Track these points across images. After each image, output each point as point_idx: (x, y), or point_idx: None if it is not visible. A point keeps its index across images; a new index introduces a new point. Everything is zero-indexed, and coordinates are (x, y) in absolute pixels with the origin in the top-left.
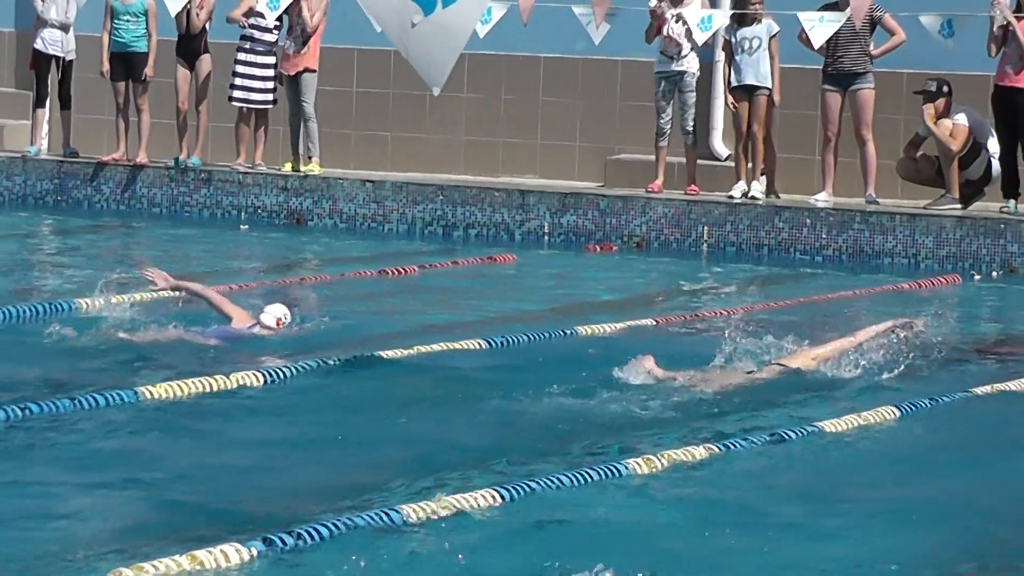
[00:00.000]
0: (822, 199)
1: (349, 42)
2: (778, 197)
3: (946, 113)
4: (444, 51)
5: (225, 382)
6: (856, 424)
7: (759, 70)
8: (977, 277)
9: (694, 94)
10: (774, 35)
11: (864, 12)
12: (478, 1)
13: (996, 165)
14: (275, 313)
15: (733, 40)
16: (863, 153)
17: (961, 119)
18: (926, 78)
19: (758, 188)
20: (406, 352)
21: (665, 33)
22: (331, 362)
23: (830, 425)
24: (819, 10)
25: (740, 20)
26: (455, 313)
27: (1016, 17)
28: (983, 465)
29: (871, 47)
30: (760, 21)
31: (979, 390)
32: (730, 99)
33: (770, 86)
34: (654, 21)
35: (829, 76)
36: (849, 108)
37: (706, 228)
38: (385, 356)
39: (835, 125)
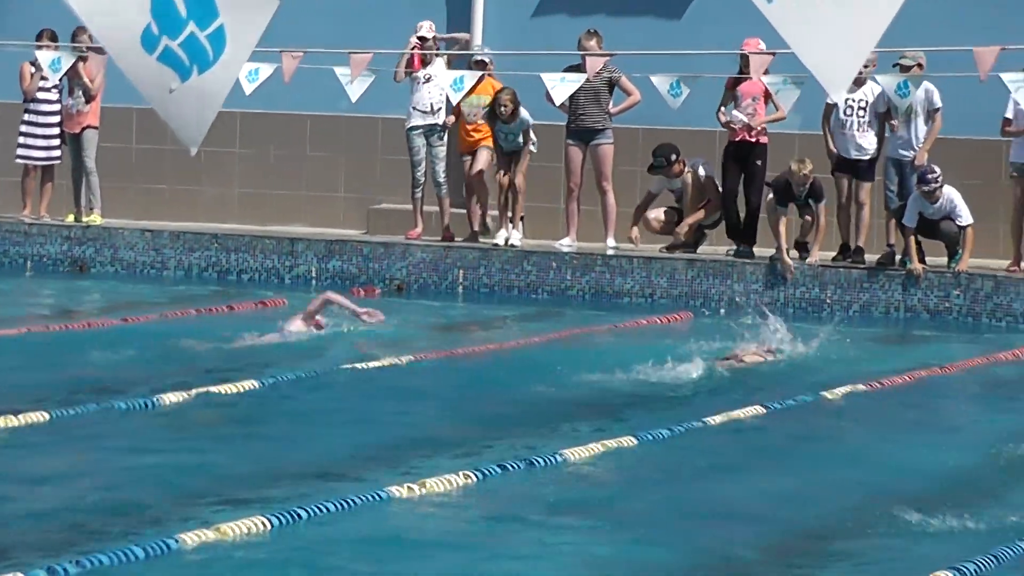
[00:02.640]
0: (566, 244)
1: (128, 101)
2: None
3: (681, 171)
4: (200, 113)
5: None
6: (598, 451)
7: (520, 141)
8: (707, 314)
9: (444, 147)
10: (527, 127)
11: (597, 68)
12: (232, 67)
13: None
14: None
15: (497, 132)
16: (604, 203)
17: (703, 170)
18: (653, 147)
19: (517, 236)
20: (180, 394)
21: (417, 90)
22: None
23: (572, 453)
24: (563, 71)
25: (493, 116)
26: (230, 355)
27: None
28: (710, 488)
29: (610, 106)
30: (516, 117)
31: (710, 419)
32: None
33: (532, 148)
34: (399, 68)
35: (572, 132)
36: (591, 161)
37: (461, 272)
38: (160, 399)
39: (577, 177)
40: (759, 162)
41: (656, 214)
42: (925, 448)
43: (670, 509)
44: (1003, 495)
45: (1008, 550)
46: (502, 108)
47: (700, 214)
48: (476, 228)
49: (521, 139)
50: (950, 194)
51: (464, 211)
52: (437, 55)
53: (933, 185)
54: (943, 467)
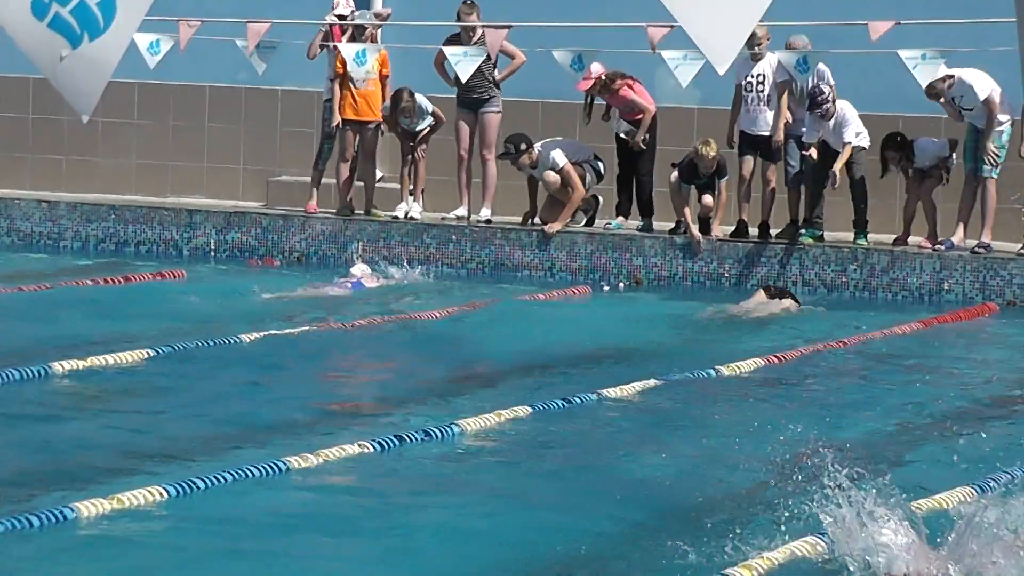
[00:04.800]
0: (458, 214)
1: (23, 71)
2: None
3: (534, 161)
4: (91, 81)
5: None
6: (494, 422)
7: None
8: (606, 288)
9: None
10: (432, 112)
11: (499, 46)
12: (124, 34)
13: (600, 167)
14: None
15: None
16: (484, 171)
17: (559, 158)
18: (551, 122)
19: (417, 209)
20: (75, 363)
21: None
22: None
23: (468, 424)
24: (444, 44)
25: (395, 107)
26: (127, 325)
27: None
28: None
29: (495, 73)
30: (414, 107)
31: (607, 391)
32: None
33: (431, 122)
34: (313, 44)
35: (461, 101)
36: (477, 129)
37: (361, 244)
38: (54, 367)
39: (467, 144)
40: (644, 137)
41: (549, 228)
42: (821, 420)
43: (567, 480)
44: (898, 460)
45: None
46: (404, 107)
47: (570, 208)
48: (348, 200)
49: (431, 119)
50: (843, 107)
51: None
52: (353, 25)
53: (826, 106)
54: (839, 438)
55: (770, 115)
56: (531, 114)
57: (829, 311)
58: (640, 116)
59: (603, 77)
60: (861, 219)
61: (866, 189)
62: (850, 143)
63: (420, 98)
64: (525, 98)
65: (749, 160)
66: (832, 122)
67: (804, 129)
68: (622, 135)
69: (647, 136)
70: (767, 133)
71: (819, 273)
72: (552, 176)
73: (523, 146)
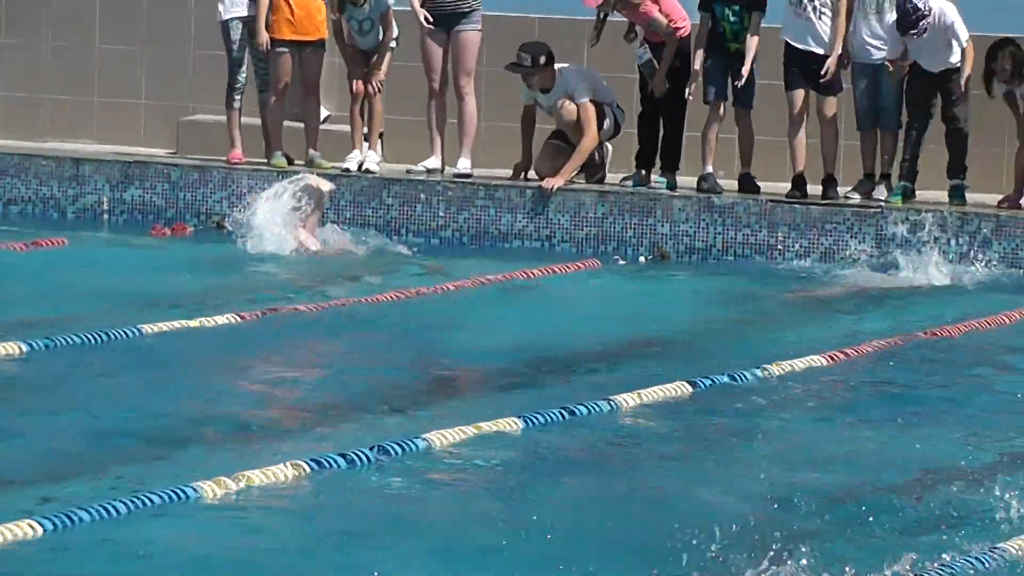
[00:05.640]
0: (429, 165)
1: None
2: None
3: (550, 84)
4: None
5: None
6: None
7: (376, 39)
8: (621, 262)
9: None
10: (386, 10)
11: None
12: None
13: (621, 117)
14: None
15: (349, 20)
16: (461, 109)
17: (582, 88)
18: (521, 46)
19: (374, 158)
20: None
21: None
22: None
23: (438, 437)
24: None
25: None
26: None
27: None
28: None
29: None
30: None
31: (622, 398)
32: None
33: (392, 45)
34: None
35: (432, 17)
36: (451, 53)
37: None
38: None
39: (438, 74)
40: (678, 63)
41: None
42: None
43: (565, 514)
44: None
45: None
46: None
47: (579, 158)
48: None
49: (380, 31)
50: (943, 9)
51: (300, 125)
52: None
53: (923, 23)
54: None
55: (825, 29)
56: (524, 34)
57: (915, 292)
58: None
59: None
60: (959, 167)
61: (966, 130)
62: (969, 45)
63: None
64: (515, 12)
65: (800, 94)
66: (927, 34)
67: (873, 50)
68: (641, 67)
69: (676, 63)
70: (822, 51)
71: (902, 244)
72: (570, 107)
73: (543, 59)
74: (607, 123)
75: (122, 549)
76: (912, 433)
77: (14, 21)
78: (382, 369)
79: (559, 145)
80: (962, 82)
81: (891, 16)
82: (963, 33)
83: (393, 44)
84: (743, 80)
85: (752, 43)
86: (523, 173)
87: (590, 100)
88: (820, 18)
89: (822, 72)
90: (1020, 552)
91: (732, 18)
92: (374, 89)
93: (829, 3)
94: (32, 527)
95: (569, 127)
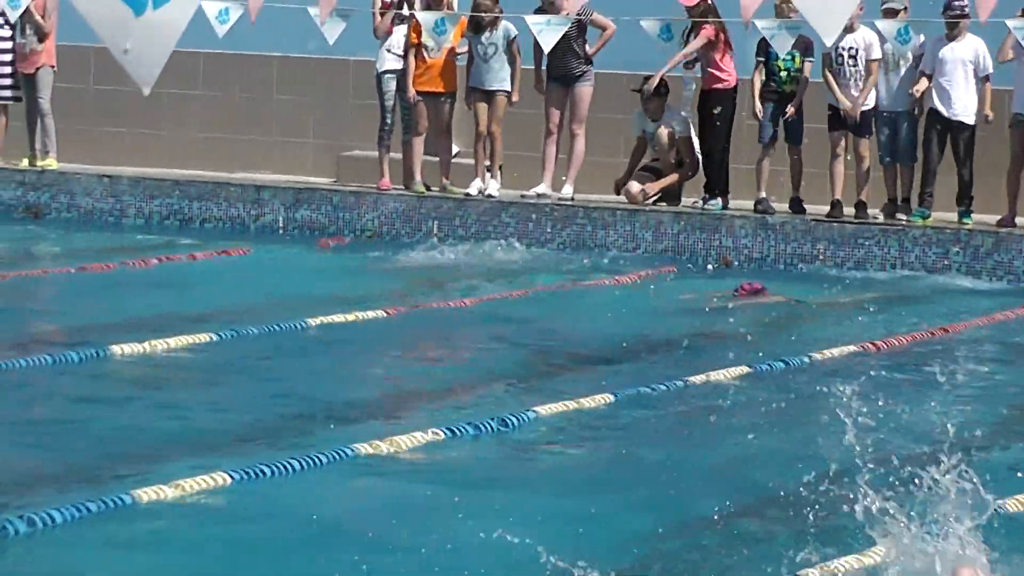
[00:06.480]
0: (540, 190)
1: (85, 40)
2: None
3: (659, 114)
4: (154, 52)
5: None
6: (573, 409)
7: (498, 74)
8: (692, 269)
9: None
10: (512, 39)
11: (574, 8)
12: (187, 4)
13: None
14: None
15: (474, 46)
16: (572, 146)
17: (687, 124)
18: (642, 78)
19: (494, 185)
20: (134, 346)
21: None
22: (66, 356)
23: (546, 410)
24: (535, 13)
25: (477, 27)
26: (190, 306)
27: None
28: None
29: (586, 47)
30: (497, 26)
31: (693, 379)
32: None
33: (508, 88)
34: (383, 21)
35: (551, 77)
36: (569, 102)
37: (436, 223)
38: (118, 349)
39: (556, 117)
40: (717, 109)
41: (633, 186)
42: (919, 413)
43: (648, 470)
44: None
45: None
46: (482, 8)
47: (668, 180)
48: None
49: (507, 61)
50: (975, 42)
51: (436, 159)
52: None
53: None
54: (939, 428)
55: (859, 90)
56: (616, 86)
57: (931, 295)
58: (718, 85)
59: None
60: (965, 196)
61: (972, 159)
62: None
63: (506, 22)
64: (610, 70)
65: (839, 135)
66: (962, 42)
67: (890, 101)
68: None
69: (725, 110)
70: (861, 108)
71: (920, 255)
72: (667, 134)
73: (663, 89)
74: (686, 163)
75: (294, 499)
76: (946, 412)
77: (209, 78)
78: (504, 354)
79: (648, 176)
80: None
81: (904, 71)
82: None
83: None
84: (791, 115)
85: (802, 87)
86: (622, 187)
87: (680, 134)
88: (858, 82)
89: (848, 119)
90: None
91: (787, 63)
92: (495, 132)
93: (862, 71)
94: (224, 478)
95: (663, 152)
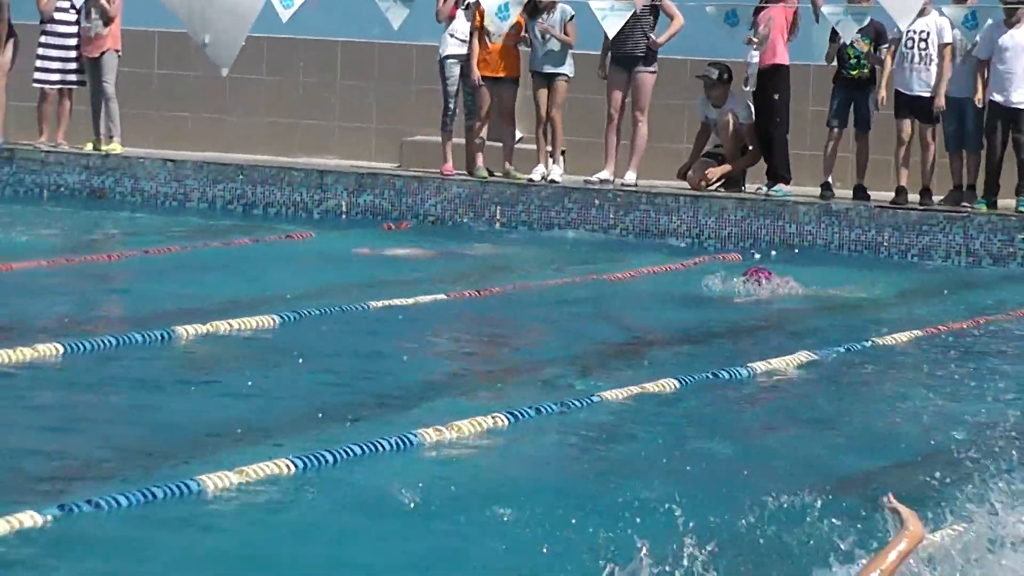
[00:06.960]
0: (602, 176)
1: (150, 24)
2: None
3: (722, 101)
4: (231, 33)
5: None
6: (636, 394)
7: (556, 57)
8: (757, 256)
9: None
10: (569, 20)
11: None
12: None
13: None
14: None
15: (531, 29)
16: (634, 133)
17: (749, 112)
18: (706, 64)
19: (557, 171)
20: (198, 327)
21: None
22: (131, 337)
23: (609, 395)
24: None
25: (534, 9)
26: (253, 289)
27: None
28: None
29: (653, 32)
30: (554, 9)
31: (757, 365)
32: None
33: (568, 73)
34: (445, 6)
35: (614, 58)
36: (630, 89)
37: (498, 208)
38: (183, 331)
39: (618, 104)
40: (776, 95)
41: (695, 171)
42: (978, 397)
43: (712, 455)
44: None
45: None
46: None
47: (728, 167)
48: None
49: (559, 42)
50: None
51: (499, 144)
52: None
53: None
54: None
55: (928, 75)
56: (680, 72)
57: (996, 282)
58: (774, 63)
59: None
60: None
61: None
62: None
63: (563, 4)
64: (674, 55)
65: (907, 123)
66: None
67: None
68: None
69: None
70: (925, 94)
71: (984, 242)
72: (731, 121)
73: (725, 75)
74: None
75: (358, 486)
76: (999, 398)
77: (273, 62)
78: (566, 339)
79: (709, 162)
80: None
81: (972, 58)
82: None
83: (568, 71)
84: (883, 100)
85: (881, 74)
86: (685, 173)
87: (743, 122)
88: (928, 66)
89: (934, 113)
90: None
91: (856, 50)
92: (555, 117)
93: (932, 56)
94: (288, 465)
95: (725, 137)
